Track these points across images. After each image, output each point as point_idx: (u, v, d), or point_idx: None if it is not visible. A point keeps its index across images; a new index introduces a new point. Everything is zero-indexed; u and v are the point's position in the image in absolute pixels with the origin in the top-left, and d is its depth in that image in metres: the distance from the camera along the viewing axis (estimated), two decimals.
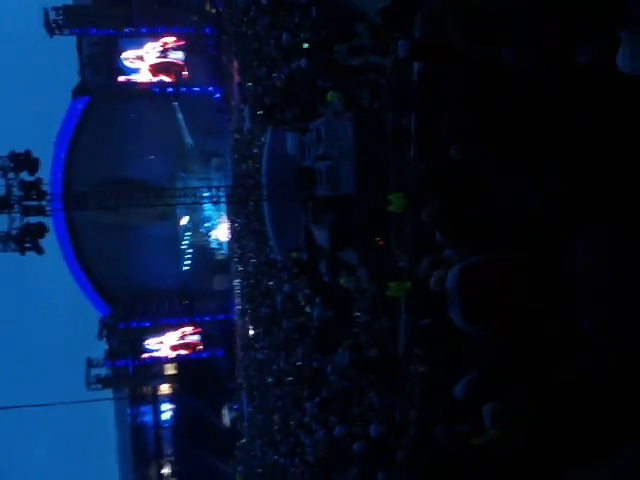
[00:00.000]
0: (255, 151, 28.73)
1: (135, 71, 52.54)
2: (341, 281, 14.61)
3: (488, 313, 4.47)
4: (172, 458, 59.45)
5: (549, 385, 4.34)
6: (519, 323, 4.47)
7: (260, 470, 33.76)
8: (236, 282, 48.81)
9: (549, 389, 4.29)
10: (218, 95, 52.99)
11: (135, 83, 52.43)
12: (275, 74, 21.01)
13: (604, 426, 3.57)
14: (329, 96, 14.20)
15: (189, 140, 53.30)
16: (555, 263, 4.40)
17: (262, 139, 22.71)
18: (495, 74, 4.73)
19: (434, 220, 5.86)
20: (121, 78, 52.50)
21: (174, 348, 54.51)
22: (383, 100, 11.51)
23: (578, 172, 4.64)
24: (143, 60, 52.32)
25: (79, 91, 51.23)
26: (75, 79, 52.34)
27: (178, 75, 52.60)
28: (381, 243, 12.73)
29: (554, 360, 4.41)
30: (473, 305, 4.40)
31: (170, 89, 51.94)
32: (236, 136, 42.09)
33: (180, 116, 52.31)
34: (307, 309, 18.05)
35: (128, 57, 52.07)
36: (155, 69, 52.58)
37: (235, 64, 43.26)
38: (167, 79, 52.81)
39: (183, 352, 54.67)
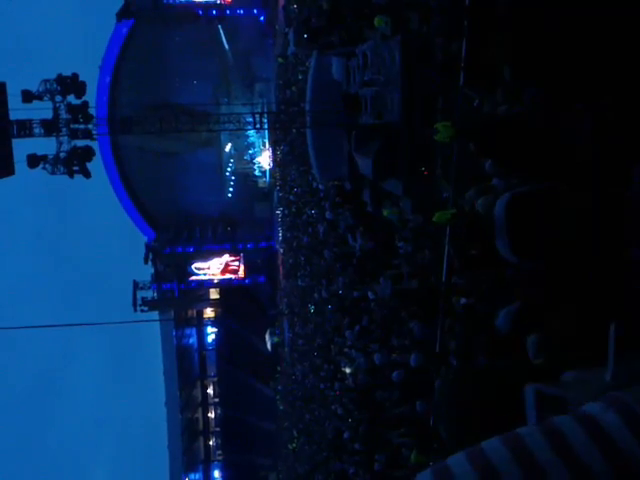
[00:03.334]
0: (300, 77, 28.18)
1: None
2: (384, 212, 14.41)
3: (537, 244, 4.33)
4: (215, 379, 61.51)
5: (596, 314, 4.22)
6: (569, 254, 4.33)
7: (300, 394, 34.69)
8: (278, 210, 48.96)
9: (595, 318, 4.18)
10: (262, 18, 51.81)
11: (181, 3, 51.29)
12: None
13: None
14: (377, 21, 13.64)
15: (233, 65, 52.58)
16: (606, 193, 4.21)
17: (307, 64, 22.22)
18: None
19: (484, 147, 5.65)
20: None
21: (219, 273, 55.50)
22: (433, 24, 11.03)
23: (633, 101, 4.36)
24: None
25: (123, 14, 50.68)
26: (120, 1, 51.81)
27: None
28: (426, 173, 12.46)
29: (600, 289, 4.29)
30: (522, 236, 4.27)
31: (214, 11, 50.90)
32: (280, 61, 41.32)
33: (224, 40, 51.45)
34: (350, 240, 17.96)
35: None
36: None
37: None
38: None
39: (227, 277, 55.64)
